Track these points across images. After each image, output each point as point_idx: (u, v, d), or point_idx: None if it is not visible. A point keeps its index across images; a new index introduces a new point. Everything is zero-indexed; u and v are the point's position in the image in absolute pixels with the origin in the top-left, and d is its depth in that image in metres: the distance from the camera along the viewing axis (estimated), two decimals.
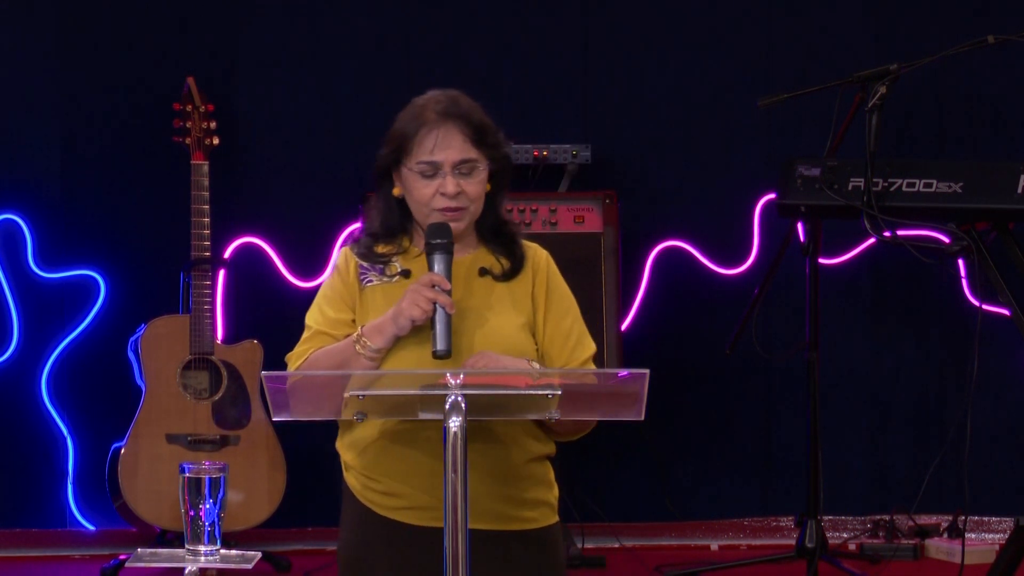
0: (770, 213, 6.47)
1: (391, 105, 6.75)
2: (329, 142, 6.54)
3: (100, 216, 6.42)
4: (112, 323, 6.35)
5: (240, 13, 6.53)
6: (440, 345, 3.28)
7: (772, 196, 6.35)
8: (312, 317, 3.48)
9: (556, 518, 3.50)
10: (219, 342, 5.96)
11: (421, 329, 3.32)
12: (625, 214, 6.17)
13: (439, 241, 3.35)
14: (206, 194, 5.95)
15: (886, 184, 5.04)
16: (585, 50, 6.62)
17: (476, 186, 3.41)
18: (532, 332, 3.44)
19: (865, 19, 6.64)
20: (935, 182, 5.07)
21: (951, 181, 5.05)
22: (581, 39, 6.62)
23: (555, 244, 5.90)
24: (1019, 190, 5.03)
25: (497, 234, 3.49)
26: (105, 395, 6.30)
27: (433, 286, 3.29)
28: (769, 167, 6.35)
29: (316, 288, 6.44)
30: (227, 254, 6.37)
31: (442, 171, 3.39)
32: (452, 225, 3.38)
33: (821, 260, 5.74)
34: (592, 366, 3.48)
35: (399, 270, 3.45)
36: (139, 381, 5.93)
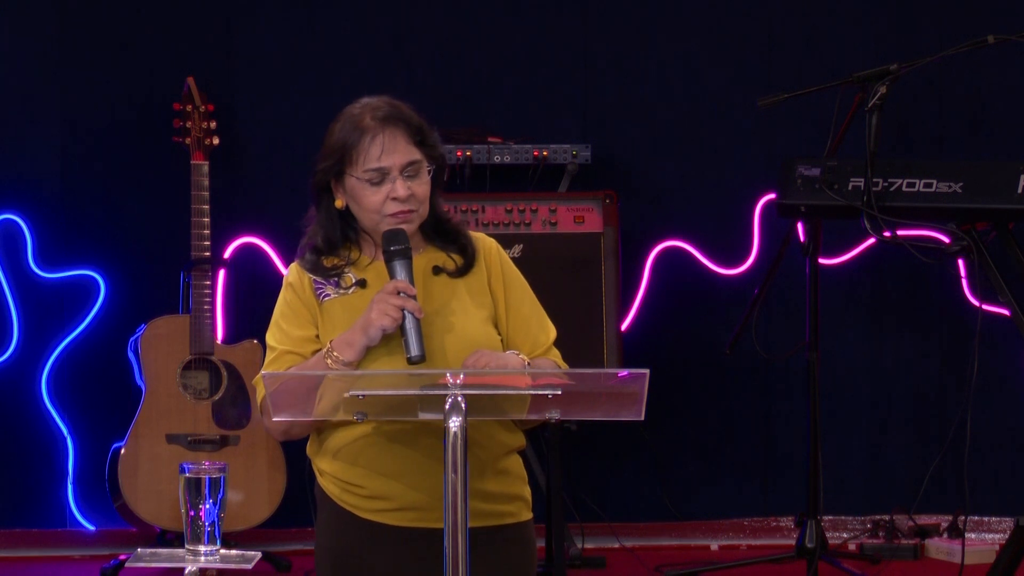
0: (770, 213, 6.47)
1: None
2: None
3: (100, 216, 6.42)
4: (112, 323, 6.35)
5: (240, 13, 6.53)
6: (414, 351, 3.28)
7: (772, 196, 6.35)
8: (274, 337, 3.45)
9: (530, 514, 3.50)
10: (219, 342, 5.97)
11: (390, 338, 3.32)
12: (625, 214, 6.17)
13: (397, 247, 3.35)
14: (206, 194, 5.95)
15: (886, 184, 5.04)
16: (585, 50, 6.62)
17: (423, 187, 3.41)
18: (495, 324, 3.45)
19: (865, 19, 6.64)
20: (935, 182, 5.06)
21: (951, 181, 5.05)
22: (581, 39, 6.62)
23: (555, 244, 5.96)
24: (1019, 190, 5.03)
25: (439, 231, 3.49)
26: (105, 395, 6.30)
27: (399, 293, 3.29)
28: (769, 167, 6.35)
29: None
30: (227, 254, 6.37)
31: (391, 176, 3.38)
32: (405, 227, 3.38)
33: (821, 260, 5.74)
34: (555, 351, 3.48)
35: (354, 281, 3.44)
36: (139, 381, 5.93)
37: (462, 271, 3.47)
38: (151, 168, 6.40)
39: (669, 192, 6.61)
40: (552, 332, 3.51)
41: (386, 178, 3.38)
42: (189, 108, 6.07)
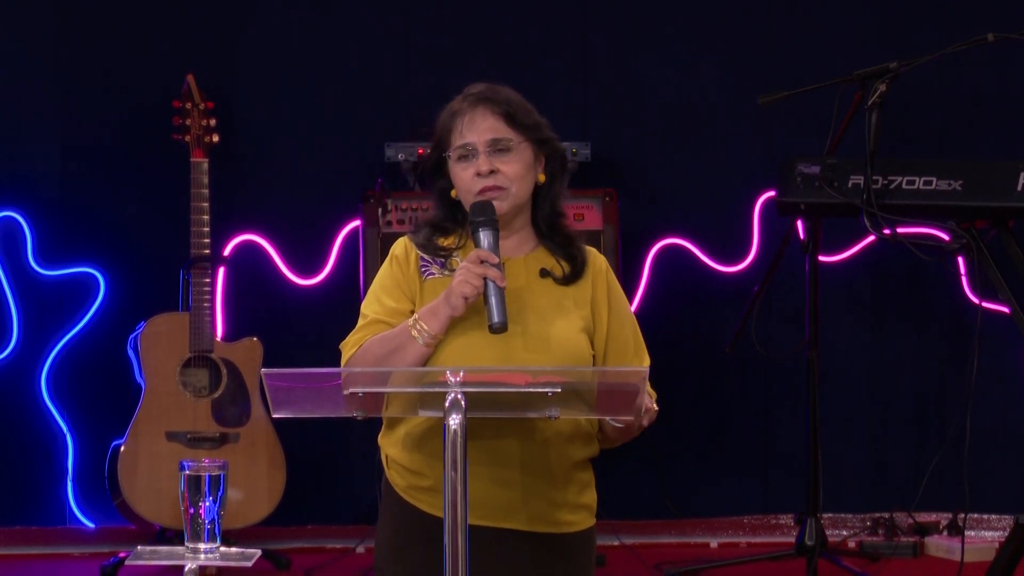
0: (770, 211, 6.47)
1: (391, 104, 6.78)
2: (329, 140, 6.54)
3: (100, 213, 6.42)
4: (112, 320, 6.35)
5: (240, 11, 6.53)
6: (496, 318, 3.23)
7: (772, 194, 6.35)
8: (369, 306, 3.42)
9: (593, 520, 3.46)
10: (219, 340, 5.97)
11: (480, 311, 3.27)
12: (625, 212, 6.17)
13: (482, 219, 3.32)
14: (206, 191, 5.95)
15: (886, 182, 5.04)
16: (585, 49, 6.62)
17: (513, 165, 3.37)
18: (590, 338, 3.40)
19: (865, 18, 6.64)
20: (935, 180, 5.06)
21: (951, 179, 5.05)
22: (581, 38, 6.62)
23: None
24: (1019, 188, 5.03)
25: (552, 228, 3.45)
26: (105, 393, 6.30)
27: (481, 262, 3.25)
28: (769, 165, 6.35)
29: (316, 286, 6.50)
30: (227, 252, 6.37)
31: (475, 151, 3.37)
32: (496, 204, 3.34)
33: (821, 258, 5.74)
34: (646, 384, 3.37)
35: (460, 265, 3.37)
36: (139, 379, 5.93)
37: (568, 279, 3.42)
38: (151, 166, 6.40)
39: (669, 190, 6.62)
40: (647, 360, 3.45)
41: (472, 154, 3.37)
42: (189, 106, 6.07)
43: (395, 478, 3.41)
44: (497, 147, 3.37)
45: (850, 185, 5.08)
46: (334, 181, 6.50)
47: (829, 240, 6.24)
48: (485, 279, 3.24)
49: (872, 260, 6.57)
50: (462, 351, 3.30)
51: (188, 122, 6.05)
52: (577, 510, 3.41)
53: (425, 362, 3.30)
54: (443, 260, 3.42)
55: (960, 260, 5.88)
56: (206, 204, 5.94)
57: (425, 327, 3.28)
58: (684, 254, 6.56)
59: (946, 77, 6.55)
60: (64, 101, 6.44)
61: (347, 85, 6.54)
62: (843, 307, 6.61)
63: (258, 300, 6.42)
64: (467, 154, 3.37)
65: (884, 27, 6.61)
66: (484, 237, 3.31)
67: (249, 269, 6.42)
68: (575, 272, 3.41)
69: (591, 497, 3.45)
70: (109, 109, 6.45)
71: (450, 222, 3.45)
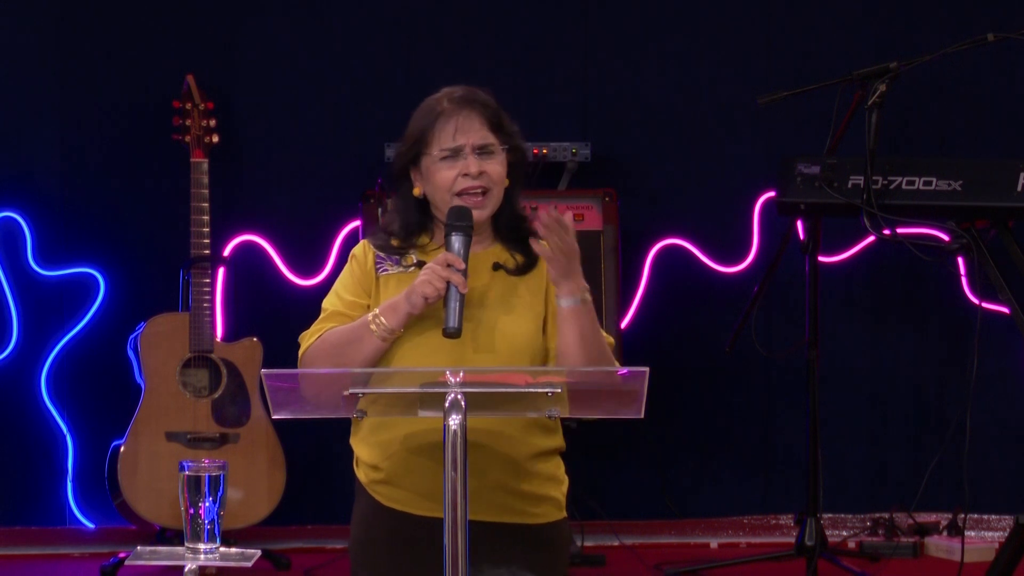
0: (770, 211, 6.47)
1: (391, 103, 6.78)
2: (329, 140, 6.54)
3: (99, 214, 6.42)
4: (112, 321, 6.35)
5: (240, 11, 6.53)
6: (452, 323, 3.28)
7: (772, 194, 6.35)
8: (328, 301, 3.52)
9: (562, 514, 3.51)
10: (219, 340, 5.97)
11: (438, 309, 3.33)
12: (625, 212, 6.17)
13: (459, 223, 3.37)
14: (206, 192, 5.95)
15: (886, 182, 5.04)
16: (585, 48, 6.62)
17: (497, 167, 3.45)
18: (545, 325, 3.45)
19: (865, 18, 6.64)
20: (935, 180, 5.07)
21: (950, 179, 5.06)
22: (581, 37, 6.62)
23: None
24: (1018, 188, 5.03)
25: (514, 230, 3.52)
26: (105, 393, 6.30)
27: (448, 265, 3.30)
28: (769, 165, 6.35)
29: (316, 286, 6.50)
30: (227, 252, 6.37)
31: (463, 153, 3.43)
32: (475, 213, 3.40)
33: (821, 258, 5.74)
34: (612, 356, 3.47)
35: (415, 261, 3.48)
36: (139, 379, 5.93)
37: (521, 270, 3.49)
38: (151, 166, 6.40)
39: (669, 190, 6.62)
40: (610, 337, 3.49)
41: (459, 155, 3.43)
42: (189, 106, 6.07)
43: (361, 475, 3.50)
44: (483, 150, 3.45)
45: (850, 185, 5.08)
46: (334, 181, 6.50)
47: (829, 240, 6.23)
48: (449, 283, 3.29)
49: (872, 260, 6.57)
50: (416, 350, 3.37)
51: (188, 122, 6.04)
52: (541, 502, 3.45)
53: (381, 357, 3.38)
54: (398, 257, 3.50)
55: (960, 260, 5.89)
56: (206, 204, 5.94)
57: (384, 322, 3.35)
58: (684, 254, 6.56)
59: (946, 77, 6.55)
60: (64, 101, 6.44)
61: (347, 85, 6.54)
62: (843, 307, 6.61)
63: (258, 300, 6.42)
64: (454, 155, 3.43)
65: (884, 27, 6.61)
66: (456, 241, 3.36)
67: (249, 269, 6.42)
68: (529, 263, 3.48)
69: (559, 492, 3.50)
70: (109, 109, 6.45)
71: (413, 224, 3.51)
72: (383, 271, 3.49)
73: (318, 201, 6.50)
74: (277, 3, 6.56)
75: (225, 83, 6.44)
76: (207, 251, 5.95)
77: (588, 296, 3.39)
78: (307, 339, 3.46)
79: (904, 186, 5.06)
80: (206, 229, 5.94)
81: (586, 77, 6.62)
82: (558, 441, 3.49)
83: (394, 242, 3.51)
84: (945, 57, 5.53)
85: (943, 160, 5.17)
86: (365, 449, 3.47)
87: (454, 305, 3.29)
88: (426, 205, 3.51)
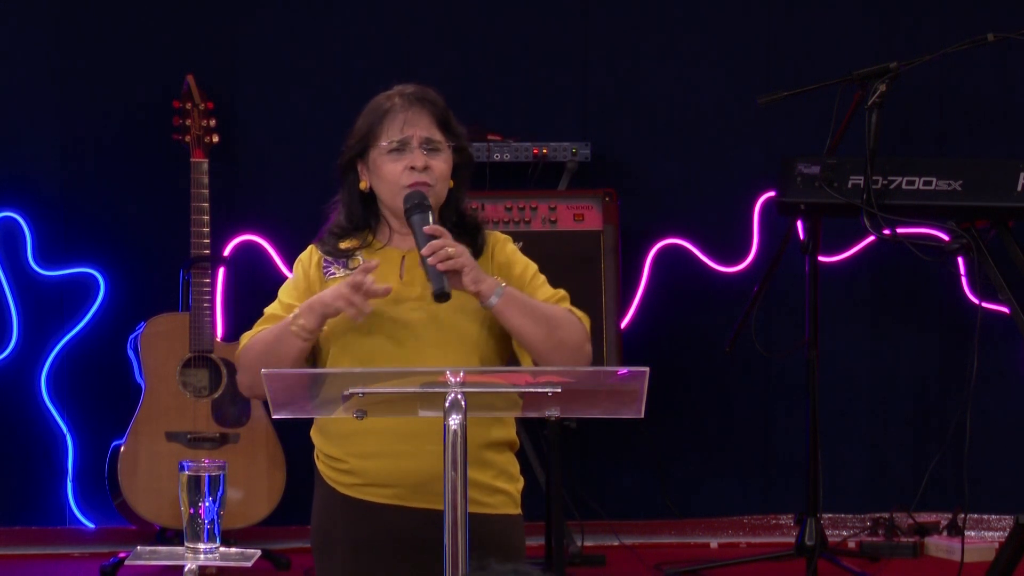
0: (770, 211, 6.47)
1: None
2: (329, 139, 6.49)
3: (100, 214, 6.42)
4: (112, 321, 6.35)
5: (240, 11, 6.53)
6: (436, 286, 3.33)
7: (772, 194, 6.35)
8: (271, 306, 3.59)
9: (517, 511, 3.53)
10: (219, 340, 5.97)
11: (381, 314, 3.40)
12: (625, 212, 6.17)
13: (417, 202, 3.44)
14: (206, 192, 5.95)
15: (886, 182, 5.05)
16: (585, 48, 6.62)
17: (442, 164, 3.50)
18: (493, 320, 3.46)
19: (865, 18, 6.64)
20: (935, 180, 5.07)
21: (950, 179, 5.06)
22: (581, 37, 6.62)
23: (555, 242, 5.96)
24: (1018, 188, 5.04)
25: (460, 226, 3.55)
26: (105, 393, 6.30)
27: (360, 286, 3.34)
28: (769, 165, 6.35)
29: None
30: (227, 252, 6.37)
31: (410, 146, 3.49)
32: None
33: (821, 258, 5.74)
34: (566, 303, 3.52)
35: (361, 263, 3.50)
36: (139, 379, 5.93)
37: None
38: (151, 166, 6.40)
39: (669, 190, 6.61)
40: (554, 291, 3.54)
41: (406, 148, 3.49)
42: (189, 106, 6.07)
43: (320, 466, 3.53)
44: (429, 146, 3.50)
45: (850, 185, 5.09)
46: (334, 181, 6.49)
47: (829, 240, 6.23)
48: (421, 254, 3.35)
49: (872, 260, 6.57)
50: (367, 351, 3.43)
51: (188, 122, 6.05)
52: (494, 493, 3.47)
53: (305, 356, 3.44)
54: (345, 260, 3.55)
55: (960, 260, 5.89)
56: (206, 204, 5.95)
57: (301, 322, 3.40)
58: (684, 254, 6.56)
59: (946, 77, 6.55)
60: (64, 101, 6.44)
61: (347, 85, 6.54)
62: (843, 307, 6.61)
63: (258, 300, 6.37)
64: (401, 147, 3.50)
65: (884, 27, 6.61)
66: (419, 221, 3.41)
67: (249, 269, 6.42)
68: (475, 253, 3.49)
69: (514, 487, 3.52)
70: (109, 109, 6.45)
71: (358, 219, 3.60)
72: (330, 275, 3.53)
73: (318, 200, 6.41)
74: (277, 3, 6.56)
75: (225, 83, 6.44)
76: (207, 251, 5.95)
77: (503, 282, 3.42)
78: (243, 341, 3.53)
79: (904, 186, 5.07)
80: (206, 229, 5.94)
81: (586, 77, 6.62)
82: (510, 433, 3.51)
83: (342, 245, 3.56)
84: (945, 57, 5.54)
85: (943, 160, 5.18)
86: (322, 438, 3.50)
87: (432, 270, 3.34)
88: (371, 200, 3.58)
